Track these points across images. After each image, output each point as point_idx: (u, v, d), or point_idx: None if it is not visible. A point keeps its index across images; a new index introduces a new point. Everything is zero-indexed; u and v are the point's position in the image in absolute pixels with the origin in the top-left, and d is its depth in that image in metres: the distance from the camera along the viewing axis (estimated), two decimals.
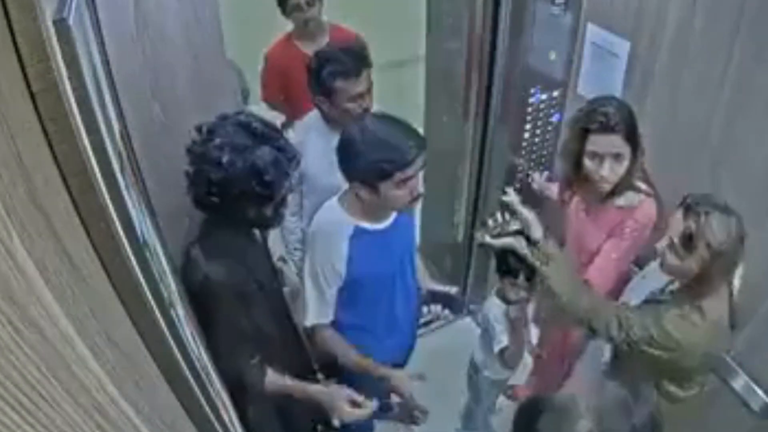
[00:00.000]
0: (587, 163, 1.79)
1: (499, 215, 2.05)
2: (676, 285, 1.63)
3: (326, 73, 1.93)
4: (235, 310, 1.53)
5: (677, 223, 1.46)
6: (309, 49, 2.49)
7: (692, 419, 1.97)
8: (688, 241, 1.42)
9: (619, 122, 1.71)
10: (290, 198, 1.56)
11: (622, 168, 1.77)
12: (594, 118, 1.73)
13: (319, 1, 2.59)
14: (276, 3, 2.60)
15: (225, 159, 1.37)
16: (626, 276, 1.97)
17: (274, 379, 1.66)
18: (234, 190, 1.40)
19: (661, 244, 1.52)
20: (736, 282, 1.56)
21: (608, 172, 1.76)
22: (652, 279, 1.76)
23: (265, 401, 1.76)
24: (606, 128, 1.71)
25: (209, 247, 1.50)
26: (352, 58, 1.94)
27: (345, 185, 1.74)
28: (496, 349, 2.13)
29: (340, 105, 1.97)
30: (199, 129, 1.43)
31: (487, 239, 2.00)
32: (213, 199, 1.43)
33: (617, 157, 1.75)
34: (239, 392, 1.48)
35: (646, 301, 1.70)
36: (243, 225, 1.57)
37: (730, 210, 1.42)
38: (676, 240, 1.45)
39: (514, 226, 1.97)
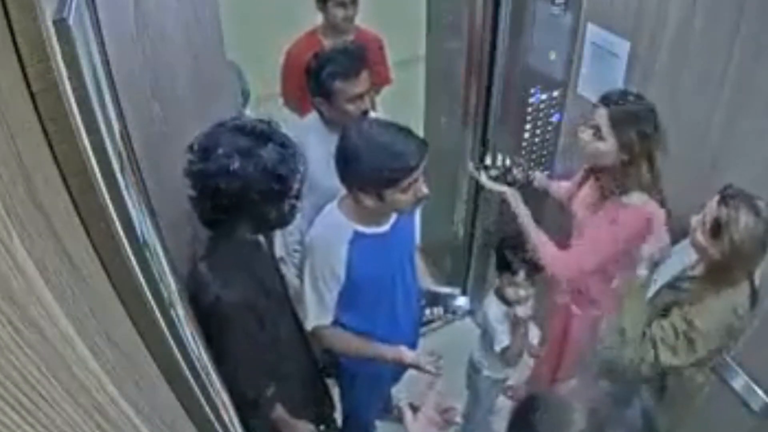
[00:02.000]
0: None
1: (500, 157, 2.06)
2: (697, 271, 1.69)
3: (325, 74, 1.92)
4: (249, 327, 1.51)
5: (712, 207, 1.54)
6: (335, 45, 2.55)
7: (692, 419, 1.97)
8: (717, 228, 1.51)
9: (615, 101, 1.77)
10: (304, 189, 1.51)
11: (599, 144, 1.80)
12: (607, 95, 1.82)
13: (358, 2, 2.65)
14: None
15: (235, 165, 1.33)
16: (611, 276, 1.98)
17: (281, 413, 1.68)
18: (252, 194, 1.35)
19: (696, 219, 1.60)
20: (757, 274, 1.63)
21: (582, 134, 1.84)
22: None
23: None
24: (603, 100, 1.80)
25: (218, 265, 1.47)
26: (351, 58, 1.94)
27: (343, 188, 1.73)
28: (497, 348, 2.13)
29: (340, 106, 1.96)
30: (191, 147, 1.38)
31: (483, 178, 2.03)
32: (224, 214, 1.39)
33: (595, 129, 1.79)
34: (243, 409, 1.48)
35: (669, 286, 1.74)
36: (258, 229, 1.54)
37: (761, 212, 1.48)
38: (707, 223, 1.54)
39: (516, 174, 2.00)
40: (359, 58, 1.96)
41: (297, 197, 1.48)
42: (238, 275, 1.49)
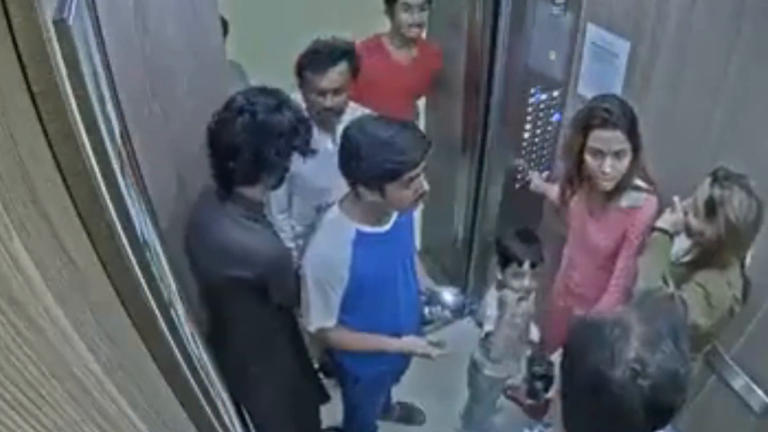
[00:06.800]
0: (589, 160, 1.80)
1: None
2: (689, 257, 1.69)
3: (301, 62, 1.99)
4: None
5: (704, 189, 1.55)
6: (400, 55, 2.53)
7: (692, 419, 1.97)
8: (711, 208, 1.52)
9: (620, 118, 1.73)
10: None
11: (624, 165, 1.78)
12: (596, 114, 1.75)
13: (429, 8, 2.49)
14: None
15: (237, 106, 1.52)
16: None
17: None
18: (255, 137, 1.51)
19: (687, 203, 1.60)
20: (748, 258, 1.64)
21: (610, 169, 1.77)
22: None
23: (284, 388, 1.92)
24: (607, 124, 1.73)
25: (255, 229, 1.62)
26: (327, 53, 1.97)
27: (333, 186, 1.73)
28: (482, 333, 2.15)
29: (308, 96, 2.01)
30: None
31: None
32: (229, 160, 1.52)
33: (618, 153, 1.75)
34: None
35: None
36: (254, 177, 1.62)
37: (753, 192, 1.50)
38: (700, 204, 1.55)
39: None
40: (335, 55, 1.98)
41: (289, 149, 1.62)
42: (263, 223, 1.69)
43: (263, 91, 1.57)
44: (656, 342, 0.93)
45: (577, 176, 1.92)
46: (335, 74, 1.97)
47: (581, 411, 1.02)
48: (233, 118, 1.50)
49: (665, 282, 1.63)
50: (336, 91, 2.00)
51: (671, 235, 1.69)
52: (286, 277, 1.73)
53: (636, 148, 1.77)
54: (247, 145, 1.50)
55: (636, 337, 0.93)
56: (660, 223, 1.70)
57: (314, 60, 1.97)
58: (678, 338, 0.95)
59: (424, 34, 2.61)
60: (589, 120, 1.77)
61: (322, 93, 1.99)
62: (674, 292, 1.61)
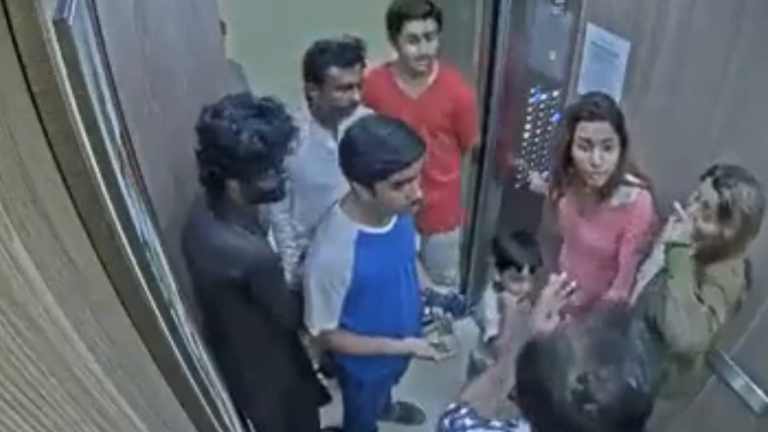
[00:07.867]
0: (578, 153, 1.81)
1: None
2: (693, 252, 1.69)
3: (321, 59, 1.97)
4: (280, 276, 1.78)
5: (709, 193, 1.56)
6: (410, 87, 2.35)
7: (692, 419, 1.97)
8: (726, 211, 1.52)
9: (607, 110, 1.76)
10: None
11: (613, 158, 1.78)
12: (583, 108, 1.78)
13: (437, 38, 2.26)
14: (386, 26, 2.29)
15: (234, 126, 1.48)
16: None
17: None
18: (242, 153, 1.47)
19: (692, 210, 1.60)
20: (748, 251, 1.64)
21: (600, 160, 1.78)
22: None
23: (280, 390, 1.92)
24: (595, 116, 1.76)
25: (239, 230, 1.59)
26: (348, 50, 1.99)
27: (334, 185, 1.72)
28: (486, 338, 2.14)
29: (329, 93, 2.00)
30: (206, 109, 1.52)
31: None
32: (219, 171, 1.51)
33: (606, 143, 1.77)
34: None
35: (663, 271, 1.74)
36: (251, 196, 1.61)
37: (754, 179, 1.53)
38: (713, 209, 1.55)
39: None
40: (356, 52, 2.00)
41: (283, 170, 1.61)
42: (257, 234, 1.67)
43: (228, 105, 1.51)
44: (601, 361, 0.91)
45: (565, 175, 1.92)
46: (359, 69, 1.99)
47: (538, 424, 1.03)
48: (203, 148, 1.50)
49: (699, 299, 1.60)
50: (359, 86, 2.01)
51: (688, 246, 1.66)
52: (272, 284, 1.70)
53: (624, 144, 1.78)
54: (221, 174, 1.50)
55: (580, 358, 0.91)
56: (675, 237, 1.66)
57: (341, 55, 1.96)
58: (628, 348, 0.93)
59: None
60: (577, 113, 1.79)
61: (347, 87, 1.99)
62: (706, 310, 1.58)
